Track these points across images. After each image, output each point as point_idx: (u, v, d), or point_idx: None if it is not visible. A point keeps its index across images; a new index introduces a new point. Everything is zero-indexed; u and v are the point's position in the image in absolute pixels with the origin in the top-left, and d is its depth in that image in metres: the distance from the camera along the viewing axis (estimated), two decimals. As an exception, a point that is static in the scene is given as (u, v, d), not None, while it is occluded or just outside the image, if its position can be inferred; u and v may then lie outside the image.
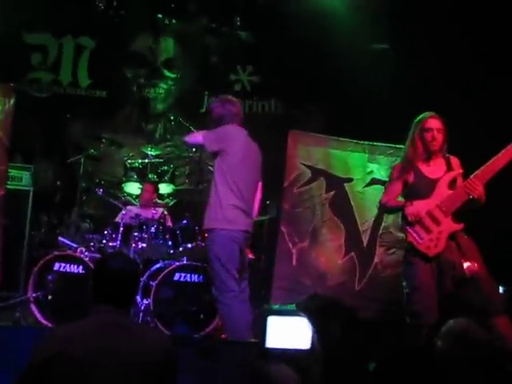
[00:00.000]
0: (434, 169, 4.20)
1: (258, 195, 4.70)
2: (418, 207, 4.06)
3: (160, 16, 7.65)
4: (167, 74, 7.65)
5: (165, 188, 6.57)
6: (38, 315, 5.20)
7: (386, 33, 7.11)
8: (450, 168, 4.20)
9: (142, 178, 6.39)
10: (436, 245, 4.02)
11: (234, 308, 4.28)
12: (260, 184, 4.64)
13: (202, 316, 5.21)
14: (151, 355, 2.37)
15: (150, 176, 6.41)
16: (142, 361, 2.35)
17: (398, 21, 6.85)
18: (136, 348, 2.38)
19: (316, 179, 6.32)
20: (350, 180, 6.37)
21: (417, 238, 4.04)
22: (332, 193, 6.33)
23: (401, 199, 4.29)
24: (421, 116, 4.24)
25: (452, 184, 4.16)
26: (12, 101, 6.08)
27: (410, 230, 4.08)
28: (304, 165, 6.31)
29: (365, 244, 6.33)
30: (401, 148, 6.32)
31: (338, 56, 7.06)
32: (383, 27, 6.92)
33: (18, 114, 6.12)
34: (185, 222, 5.58)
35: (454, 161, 4.25)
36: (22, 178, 6.40)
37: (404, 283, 4.23)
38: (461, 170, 4.19)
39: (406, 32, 6.94)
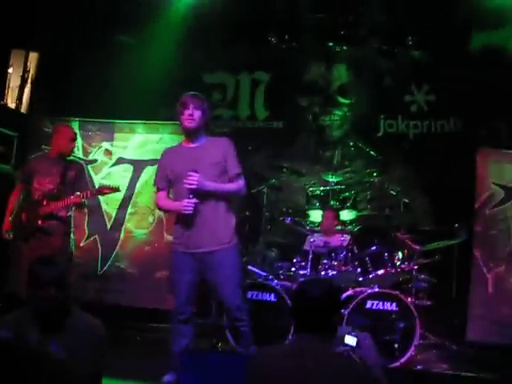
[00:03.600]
0: None
1: None
2: None
3: (331, 44, 7.69)
4: (341, 100, 7.64)
5: (347, 214, 6.52)
6: (233, 341, 5.35)
7: None
8: None
9: (324, 206, 6.41)
10: None
11: None
12: None
13: (396, 345, 5.03)
14: (329, 381, 2.33)
15: (332, 203, 6.42)
16: None
17: None
18: (321, 375, 2.34)
19: (510, 199, 5.93)
20: (548, 198, 5.90)
21: None
22: (529, 213, 5.89)
23: None
24: None
25: None
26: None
27: None
28: (496, 184, 5.95)
29: None
30: None
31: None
32: None
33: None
34: (374, 248, 5.48)
35: None
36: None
37: None
38: None
39: None
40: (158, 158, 6.34)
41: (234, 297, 4.06)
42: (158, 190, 4.25)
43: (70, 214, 5.19)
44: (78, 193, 4.95)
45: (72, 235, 5.41)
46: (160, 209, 4.44)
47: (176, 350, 4.16)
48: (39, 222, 4.95)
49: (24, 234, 5.03)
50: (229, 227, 4.07)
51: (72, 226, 5.45)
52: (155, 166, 6.42)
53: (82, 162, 5.50)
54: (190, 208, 3.92)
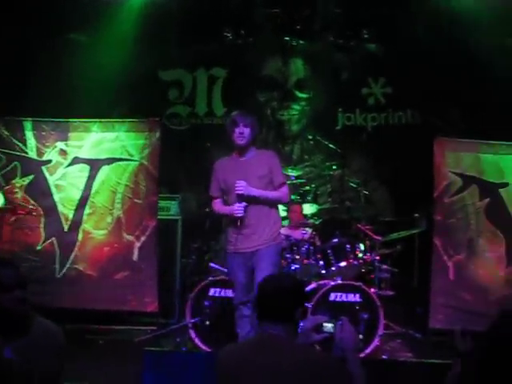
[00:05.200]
0: None
1: None
2: None
3: (287, 38, 7.67)
4: (299, 94, 7.62)
5: (308, 208, 6.52)
6: (197, 340, 5.29)
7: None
8: None
9: (285, 200, 6.37)
10: None
11: None
12: None
13: (361, 336, 5.03)
14: (296, 374, 2.32)
15: (292, 197, 6.39)
16: (285, 379, 2.33)
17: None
18: (288, 367, 2.34)
19: (468, 187, 6.02)
20: (505, 185, 6.00)
21: None
22: (486, 200, 6.00)
23: None
24: None
25: None
26: (157, 134, 6.37)
27: None
28: (453, 173, 6.03)
29: (529, 252, 5.88)
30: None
31: (473, 57, 6.69)
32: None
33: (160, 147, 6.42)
34: (335, 240, 5.48)
35: None
36: (169, 208, 6.64)
37: None
38: None
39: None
40: (115, 156, 6.45)
41: None
42: (214, 197, 4.73)
43: None
44: None
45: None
46: (216, 213, 4.85)
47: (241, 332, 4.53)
48: None
49: None
50: (274, 229, 4.54)
51: None
52: (112, 165, 6.42)
53: None
54: (241, 211, 4.39)
